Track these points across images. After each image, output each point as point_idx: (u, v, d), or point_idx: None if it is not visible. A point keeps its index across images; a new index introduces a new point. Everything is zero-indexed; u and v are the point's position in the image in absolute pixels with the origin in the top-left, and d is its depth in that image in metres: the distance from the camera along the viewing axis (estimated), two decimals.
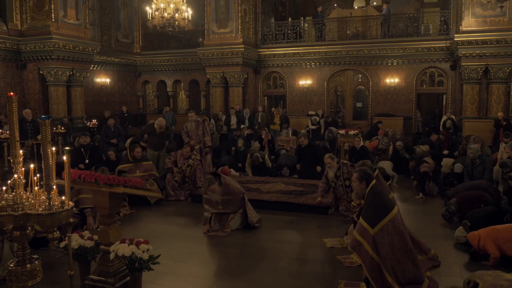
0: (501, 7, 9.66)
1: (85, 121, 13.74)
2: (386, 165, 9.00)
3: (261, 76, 16.42)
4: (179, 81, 17.82)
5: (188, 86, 17.63)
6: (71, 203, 3.19)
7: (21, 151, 3.48)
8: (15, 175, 2.95)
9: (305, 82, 15.65)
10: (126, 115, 15.59)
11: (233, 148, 10.85)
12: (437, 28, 14.56)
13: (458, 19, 12.85)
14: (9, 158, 5.31)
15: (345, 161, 6.72)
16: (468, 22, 12.42)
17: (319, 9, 16.90)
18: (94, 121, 13.68)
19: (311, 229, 6.12)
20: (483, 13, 12.17)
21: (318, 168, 8.91)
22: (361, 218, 3.69)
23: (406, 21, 14.96)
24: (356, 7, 18.88)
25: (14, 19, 12.49)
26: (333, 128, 12.46)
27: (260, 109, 14.75)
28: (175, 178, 7.77)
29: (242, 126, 12.89)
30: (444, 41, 13.72)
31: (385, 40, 14.74)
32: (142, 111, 18.25)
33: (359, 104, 17.17)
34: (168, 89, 18.02)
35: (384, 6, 15.51)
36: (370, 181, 3.79)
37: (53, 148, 3.24)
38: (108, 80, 16.44)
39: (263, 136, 11.31)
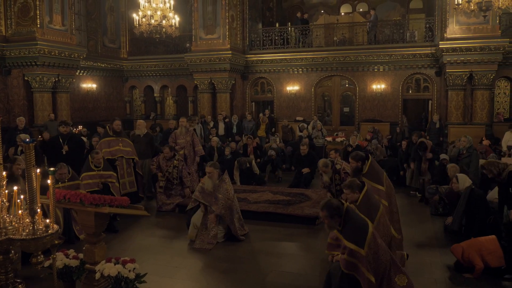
0: (484, 16, 9.89)
1: (71, 127, 13.55)
2: None
3: (249, 81, 16.44)
4: (167, 86, 17.74)
5: (175, 91, 17.56)
6: (55, 226, 3.16)
7: (4, 173, 3.43)
8: None
9: (292, 88, 15.72)
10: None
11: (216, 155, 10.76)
12: (422, 34, 14.77)
13: (443, 26, 13.05)
14: None
15: (338, 167, 6.72)
16: (453, 30, 12.62)
17: (298, 14, 17.00)
18: (80, 127, 13.53)
19: (299, 240, 6.14)
20: (467, 20, 12.38)
21: (305, 170, 9.12)
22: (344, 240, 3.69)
23: (391, 28, 15.15)
24: (342, 13, 19.05)
25: None
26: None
27: (249, 117, 14.63)
28: (160, 184, 7.70)
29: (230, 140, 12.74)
30: (429, 48, 13.92)
31: (371, 46, 14.90)
32: (129, 116, 18.10)
33: (346, 109, 17.31)
34: (155, 95, 17.92)
35: (372, 13, 15.68)
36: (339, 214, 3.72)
37: (38, 170, 3.20)
38: (94, 86, 16.27)
39: (248, 143, 11.26)
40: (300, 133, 13.07)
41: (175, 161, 7.77)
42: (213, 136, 11.76)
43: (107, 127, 8.04)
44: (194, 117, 13.84)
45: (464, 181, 5.97)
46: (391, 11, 18.16)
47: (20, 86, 12.70)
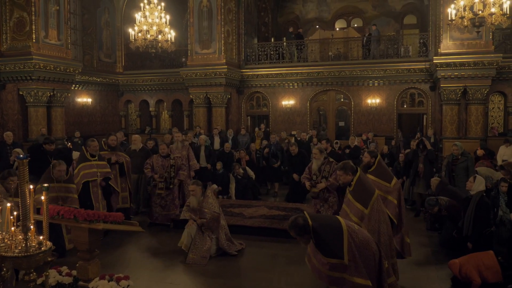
0: (478, 32, 10.03)
1: (66, 142, 13.47)
2: None
3: (244, 96, 16.49)
4: (162, 100, 17.75)
5: (171, 105, 17.57)
6: (49, 243, 3.09)
7: None
8: None
9: (288, 102, 15.78)
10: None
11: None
12: (416, 49, 14.95)
13: (437, 41, 13.23)
14: None
15: (331, 160, 6.70)
16: (447, 45, 12.77)
17: (290, 29, 17.19)
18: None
19: (295, 256, 6.06)
20: (461, 36, 12.54)
21: (295, 177, 8.87)
22: (352, 198, 4.29)
23: (386, 43, 15.33)
24: (337, 29, 19.28)
25: None
26: None
27: (243, 132, 14.59)
28: (159, 186, 7.43)
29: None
30: (424, 63, 14.07)
31: (366, 61, 15.05)
32: (124, 130, 18.02)
33: (341, 123, 17.39)
34: (150, 109, 17.92)
35: (374, 28, 15.85)
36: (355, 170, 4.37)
37: (31, 187, 3.14)
38: (89, 100, 16.25)
39: (241, 157, 11.21)
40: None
41: (171, 160, 7.57)
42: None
43: (102, 142, 7.91)
44: (189, 131, 13.75)
45: (479, 184, 5.80)
46: (385, 27, 18.41)
47: (14, 101, 12.64)
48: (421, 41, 14.58)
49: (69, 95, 14.34)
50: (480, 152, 9.40)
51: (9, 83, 12.58)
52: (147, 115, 18.16)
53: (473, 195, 5.75)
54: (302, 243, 3.63)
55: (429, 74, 14.12)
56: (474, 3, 8.30)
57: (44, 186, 3.12)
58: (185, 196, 8.02)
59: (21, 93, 12.55)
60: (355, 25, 19.21)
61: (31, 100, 12.56)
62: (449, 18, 9.46)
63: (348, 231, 3.47)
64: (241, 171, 10.00)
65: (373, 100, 14.81)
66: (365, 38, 15.61)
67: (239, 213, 7.98)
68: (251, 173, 10.25)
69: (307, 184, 6.61)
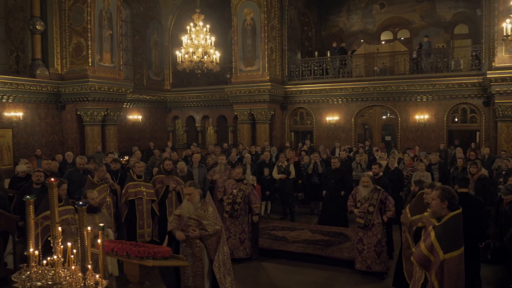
0: None
1: (118, 158, 14.16)
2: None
3: (288, 112, 16.54)
4: (208, 116, 18.22)
5: (216, 121, 17.99)
6: (104, 282, 3.32)
7: (60, 229, 3.64)
8: (55, 256, 3.11)
9: (332, 118, 15.64)
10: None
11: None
12: (468, 62, 14.29)
13: (491, 54, 12.58)
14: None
15: (378, 187, 6.57)
16: (502, 58, 12.12)
17: (334, 44, 17.02)
18: (126, 158, 14.09)
19: (338, 285, 6.00)
20: None
21: (342, 193, 8.77)
22: (434, 237, 3.47)
23: (435, 56, 14.78)
24: (383, 41, 18.86)
25: (55, 63, 13.28)
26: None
27: (287, 144, 14.67)
28: (226, 209, 6.96)
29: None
30: (476, 77, 13.43)
31: (414, 76, 14.59)
32: (172, 146, 18.68)
33: (388, 138, 16.93)
34: (197, 124, 18.45)
35: (425, 39, 15.38)
36: (453, 203, 3.56)
37: (89, 228, 3.39)
38: (140, 117, 17.01)
39: (289, 157, 11.14)
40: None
41: (242, 185, 7.07)
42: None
43: (160, 166, 8.18)
44: (233, 148, 13.87)
45: None
46: (434, 38, 17.72)
47: (73, 120, 13.54)
48: (474, 53, 13.93)
49: (121, 113, 15.10)
50: None
51: (69, 103, 13.49)
52: (194, 131, 18.70)
53: None
54: (432, 210, 3.63)
55: (482, 88, 13.44)
56: None
57: (100, 226, 3.35)
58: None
59: (78, 113, 13.42)
60: (402, 38, 18.68)
61: (88, 119, 13.38)
62: (504, 34, 9.04)
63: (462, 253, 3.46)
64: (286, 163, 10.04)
65: (422, 116, 14.32)
66: (414, 52, 15.12)
67: (282, 237, 8.03)
68: (292, 170, 10.20)
69: (356, 211, 6.48)
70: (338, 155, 11.82)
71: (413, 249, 3.78)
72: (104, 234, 5.22)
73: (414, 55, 15.13)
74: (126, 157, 14.06)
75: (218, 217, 4.77)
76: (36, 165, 10.50)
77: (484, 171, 8.57)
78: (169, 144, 15.90)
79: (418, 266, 3.63)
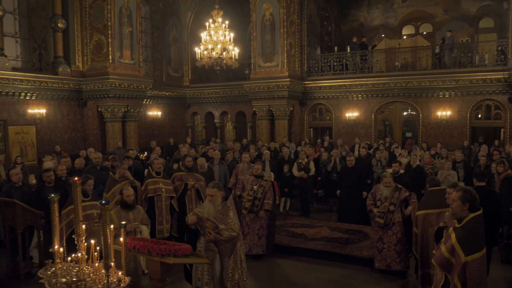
0: None
1: (138, 154, 14.35)
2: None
3: (307, 108, 16.43)
4: (226, 112, 18.27)
5: (235, 117, 18.02)
6: (127, 280, 3.37)
7: (83, 226, 3.71)
8: (79, 253, 3.18)
9: (351, 114, 15.45)
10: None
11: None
12: (493, 57, 13.88)
13: None
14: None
15: (400, 186, 6.47)
16: None
17: (354, 39, 16.74)
18: (146, 153, 14.27)
19: (356, 284, 5.95)
20: None
21: (364, 194, 8.57)
22: (455, 239, 3.44)
23: (459, 50, 14.39)
24: (404, 36, 18.47)
25: (77, 61, 13.51)
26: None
27: (306, 140, 14.57)
28: (245, 206, 6.99)
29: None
30: (502, 72, 13.03)
31: (436, 71, 14.26)
32: (191, 141, 18.83)
33: (408, 134, 16.62)
34: (215, 120, 18.52)
35: (449, 34, 15.01)
36: (474, 205, 3.50)
37: (111, 226, 3.44)
38: (159, 113, 17.18)
39: (309, 154, 11.03)
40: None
41: (263, 181, 7.07)
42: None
43: (180, 163, 8.21)
44: (251, 145, 13.80)
45: None
46: (458, 32, 17.24)
47: (94, 117, 13.77)
48: (499, 48, 13.51)
49: (141, 109, 15.28)
50: None
51: (90, 100, 13.73)
52: (212, 127, 18.79)
53: None
54: (452, 211, 3.57)
55: (508, 84, 13.05)
56: None
57: (122, 224, 3.40)
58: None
59: (99, 109, 13.63)
60: (424, 32, 18.25)
61: (108, 116, 13.59)
62: None
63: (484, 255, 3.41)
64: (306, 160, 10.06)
65: (444, 113, 14.00)
66: (437, 47, 14.76)
67: (301, 234, 8.01)
68: (312, 167, 10.14)
69: (375, 211, 6.39)
70: (358, 151, 11.72)
71: (434, 251, 3.71)
72: (137, 231, 5.33)
73: (437, 50, 14.76)
74: (146, 153, 14.25)
75: (238, 223, 4.69)
76: (57, 161, 10.72)
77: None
78: (188, 140, 16.00)
79: (438, 268, 3.57)
